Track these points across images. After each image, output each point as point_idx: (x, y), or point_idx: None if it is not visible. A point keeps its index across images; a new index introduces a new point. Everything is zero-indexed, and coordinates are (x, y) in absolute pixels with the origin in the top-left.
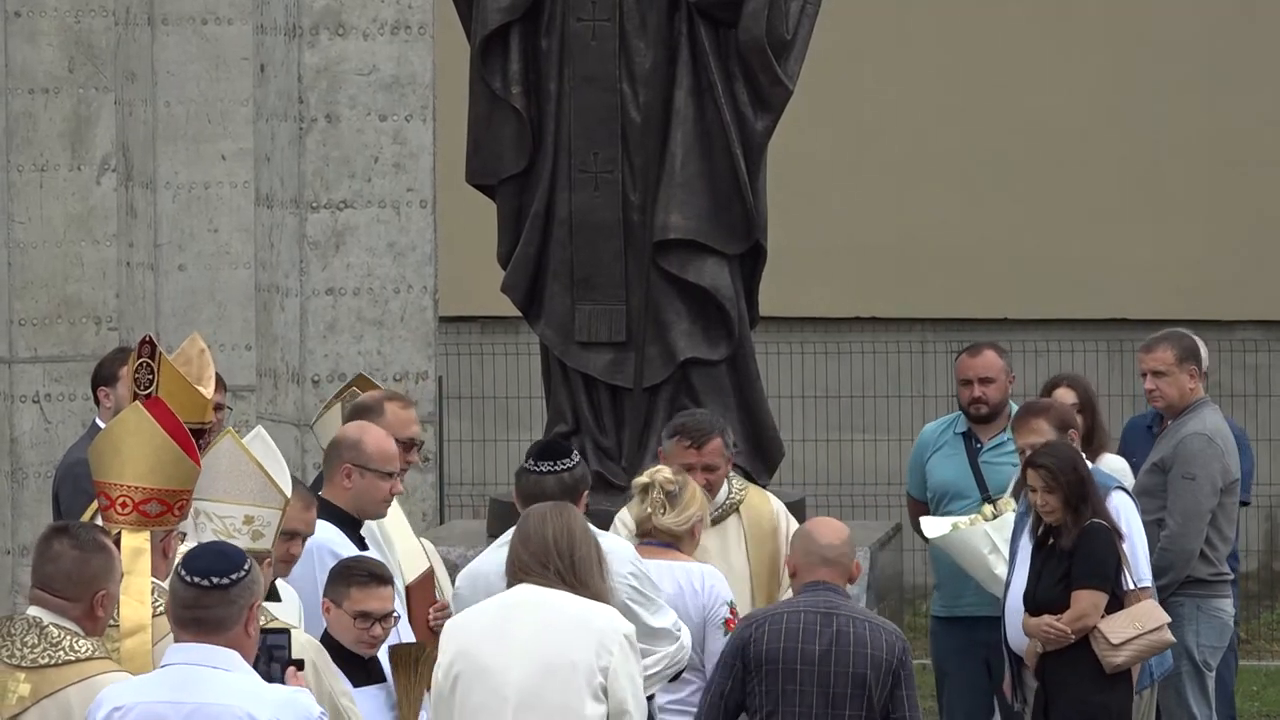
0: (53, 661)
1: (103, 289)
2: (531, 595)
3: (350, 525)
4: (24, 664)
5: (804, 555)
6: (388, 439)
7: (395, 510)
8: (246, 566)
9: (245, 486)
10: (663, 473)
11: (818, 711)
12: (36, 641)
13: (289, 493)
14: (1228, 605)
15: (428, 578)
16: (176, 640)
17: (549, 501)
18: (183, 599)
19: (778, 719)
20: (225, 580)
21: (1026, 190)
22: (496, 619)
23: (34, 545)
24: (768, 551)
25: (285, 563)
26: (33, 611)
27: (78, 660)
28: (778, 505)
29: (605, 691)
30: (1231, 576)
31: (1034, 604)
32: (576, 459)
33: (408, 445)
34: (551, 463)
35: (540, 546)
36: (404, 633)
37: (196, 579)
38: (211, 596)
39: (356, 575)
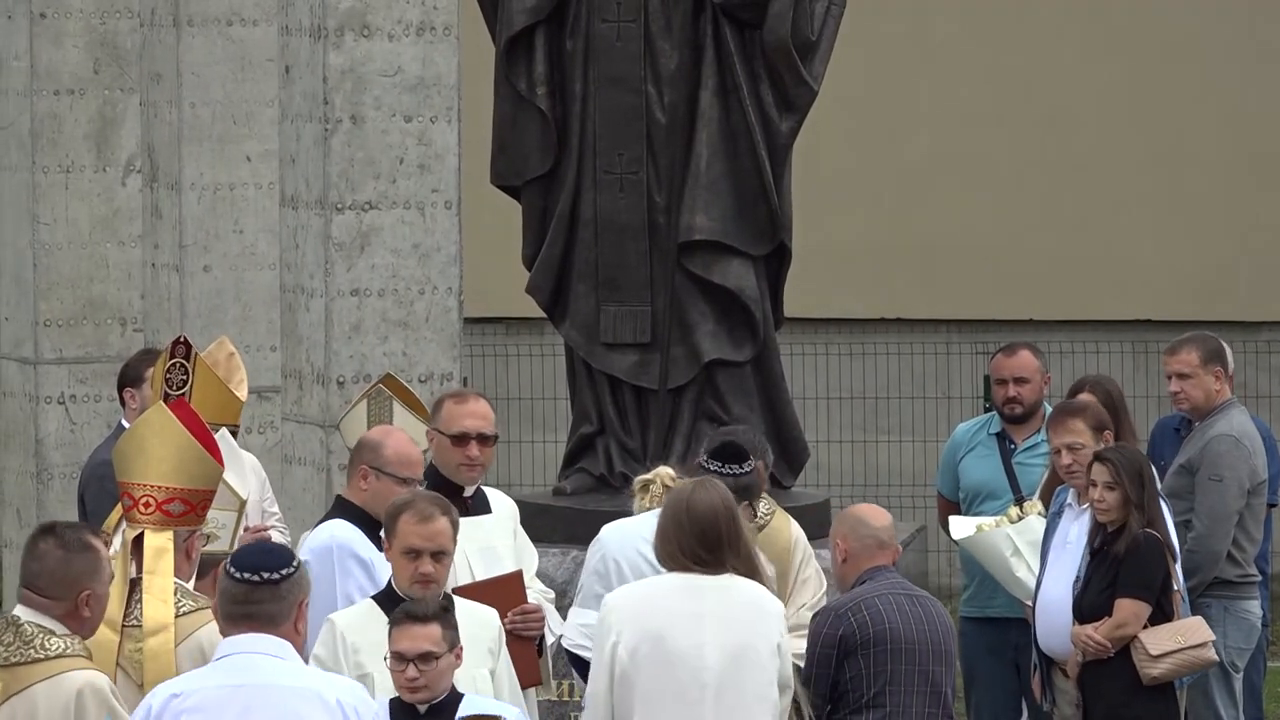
0: (22, 659)
1: (128, 290)
2: (707, 581)
3: (370, 526)
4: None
5: (859, 540)
6: (410, 445)
7: (507, 501)
8: (295, 563)
9: None
10: (665, 470)
11: (919, 687)
12: (12, 640)
13: (245, 496)
14: (1255, 607)
15: (515, 579)
16: (226, 636)
17: (705, 482)
18: (233, 594)
19: (885, 699)
20: (275, 575)
21: (1051, 191)
22: (682, 602)
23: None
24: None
25: (420, 584)
26: (17, 610)
27: (46, 658)
28: (797, 531)
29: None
30: (1259, 578)
31: (1081, 610)
32: (748, 469)
33: (456, 439)
34: (720, 464)
35: (714, 540)
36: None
37: (246, 574)
38: (262, 591)
39: (397, 614)
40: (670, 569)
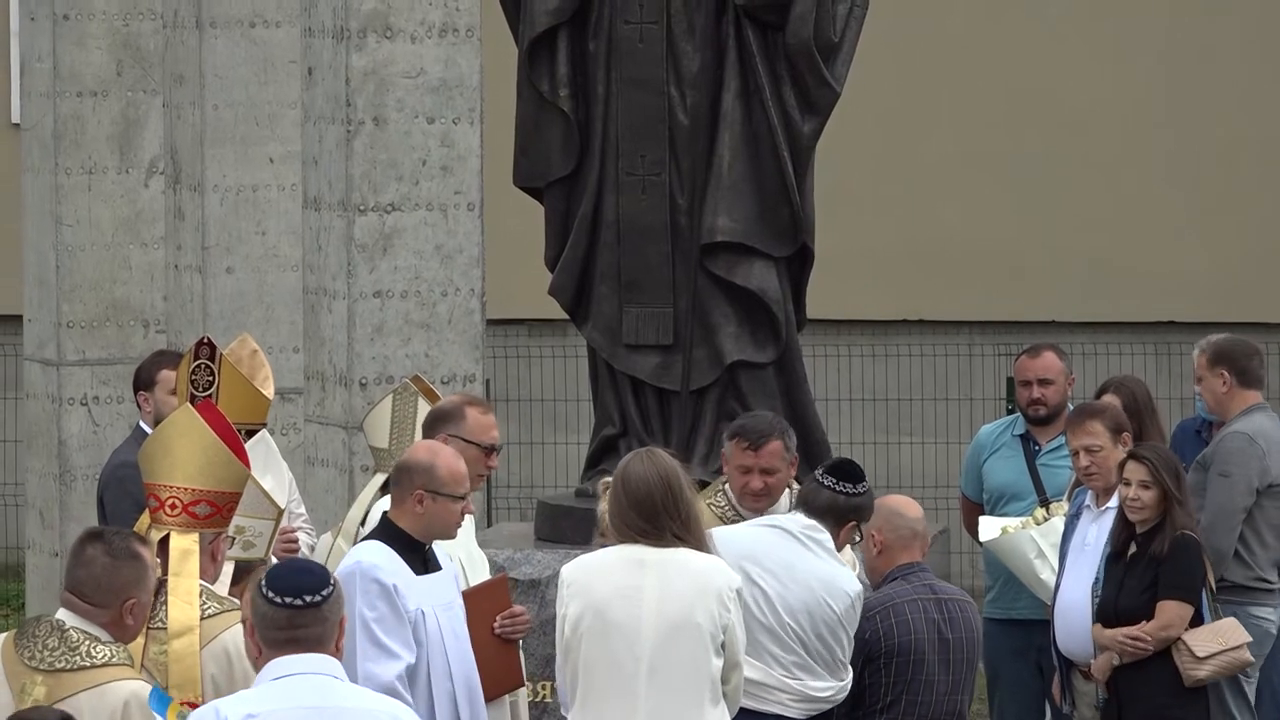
0: (69, 666)
1: (150, 292)
2: (652, 555)
3: (413, 549)
4: (42, 666)
5: (894, 531)
6: (458, 460)
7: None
8: (333, 582)
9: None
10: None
11: (938, 696)
12: (57, 645)
13: (283, 504)
14: (1268, 614)
15: (500, 584)
16: (269, 659)
17: (644, 453)
18: (275, 620)
19: (900, 707)
20: (317, 597)
21: (1074, 193)
22: (625, 574)
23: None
24: None
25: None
26: (60, 614)
27: (92, 666)
28: None
29: (723, 646)
30: (1275, 585)
31: (1115, 613)
32: (863, 489)
33: (488, 450)
34: (835, 480)
35: (650, 510)
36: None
37: (288, 599)
38: (305, 615)
39: None
40: (620, 541)
